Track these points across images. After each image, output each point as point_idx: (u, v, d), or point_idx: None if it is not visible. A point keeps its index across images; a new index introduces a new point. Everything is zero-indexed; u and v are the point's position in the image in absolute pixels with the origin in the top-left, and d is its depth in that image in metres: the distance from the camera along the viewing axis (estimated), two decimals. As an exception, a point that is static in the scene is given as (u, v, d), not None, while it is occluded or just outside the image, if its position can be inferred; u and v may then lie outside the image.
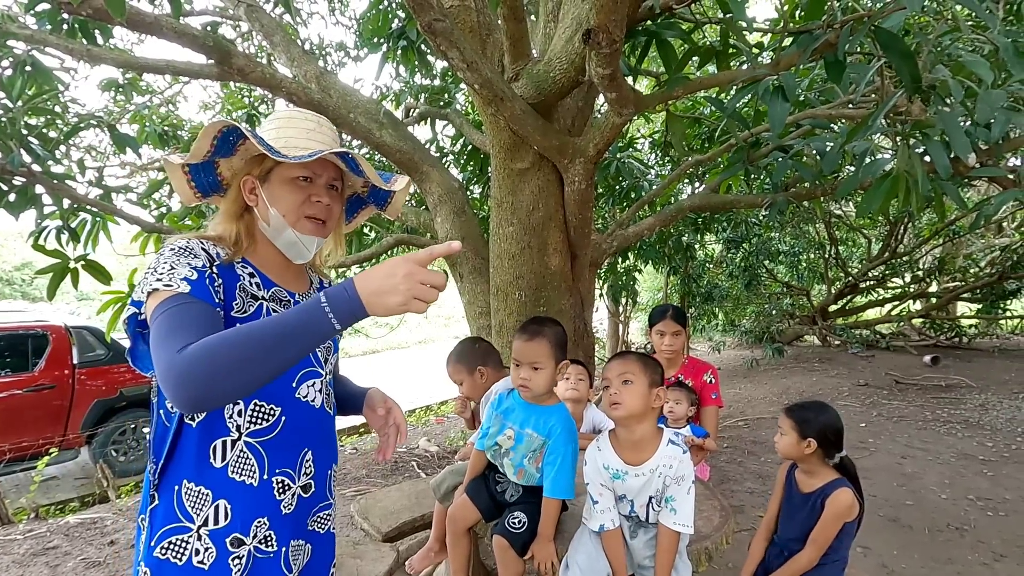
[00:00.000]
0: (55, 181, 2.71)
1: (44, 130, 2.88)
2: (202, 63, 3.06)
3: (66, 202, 2.85)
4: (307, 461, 1.13)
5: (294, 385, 1.11)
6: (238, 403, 1.04)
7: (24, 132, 2.63)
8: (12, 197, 2.64)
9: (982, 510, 3.35)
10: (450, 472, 2.12)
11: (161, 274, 0.96)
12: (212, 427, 1.03)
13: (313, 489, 1.15)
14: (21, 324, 5.69)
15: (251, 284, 1.09)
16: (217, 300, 0.99)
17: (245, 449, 1.04)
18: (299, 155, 1.03)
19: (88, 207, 2.96)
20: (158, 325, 0.91)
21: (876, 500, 3.50)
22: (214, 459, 1.02)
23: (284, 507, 1.08)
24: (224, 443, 1.03)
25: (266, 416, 1.06)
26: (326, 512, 1.20)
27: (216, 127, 1.03)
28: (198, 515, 1.00)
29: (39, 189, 2.73)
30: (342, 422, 8.40)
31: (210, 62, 2.97)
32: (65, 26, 2.86)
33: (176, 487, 1.01)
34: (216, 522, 1.01)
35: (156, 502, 1.03)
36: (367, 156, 5.29)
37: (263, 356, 0.85)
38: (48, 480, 5.57)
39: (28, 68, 2.75)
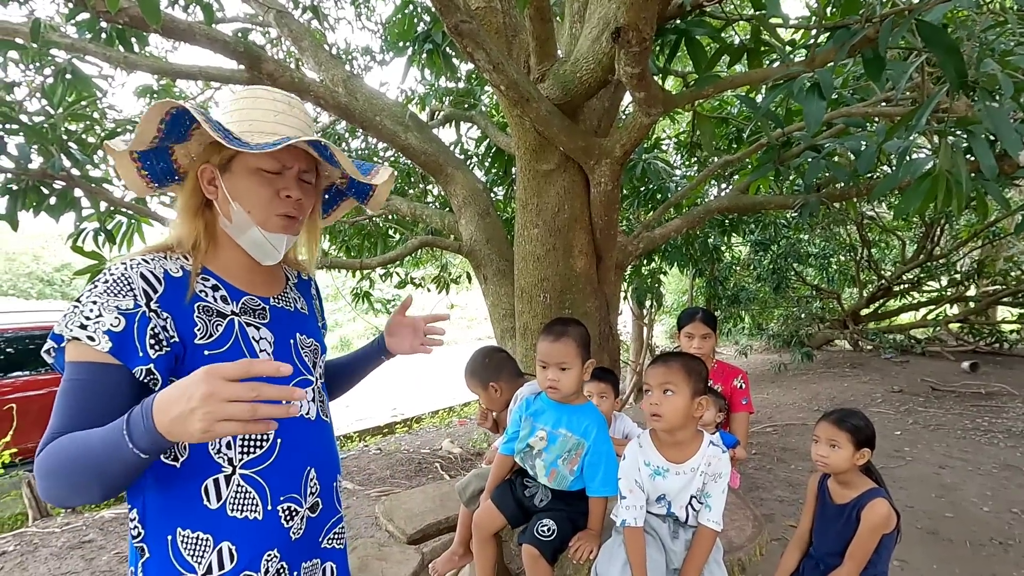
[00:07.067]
0: (93, 185, 2.79)
1: (83, 135, 2.97)
2: (233, 68, 3.12)
3: (103, 205, 2.93)
4: (311, 480, 1.03)
5: (285, 401, 1.02)
6: None
7: (64, 137, 2.71)
8: (53, 200, 2.73)
9: (1028, 524, 3.21)
10: (475, 476, 2.11)
11: (87, 318, 0.84)
12: (198, 465, 0.91)
13: (321, 507, 1.06)
14: (47, 324, 5.85)
15: (215, 299, 0.96)
16: (152, 346, 0.86)
17: (243, 483, 0.93)
18: (262, 142, 0.89)
19: (124, 210, 3.04)
20: (62, 394, 0.83)
21: (914, 512, 3.37)
22: (208, 500, 0.91)
23: (293, 533, 0.99)
24: (216, 481, 0.92)
25: (259, 443, 0.95)
26: (340, 526, 1.12)
27: (161, 109, 0.88)
28: (200, 563, 0.90)
29: (78, 193, 2.81)
30: (368, 422, 8.45)
31: (241, 67, 3.03)
32: (103, 35, 2.96)
33: (169, 536, 0.90)
34: (221, 567, 0.91)
35: (147, 555, 0.91)
36: (392, 159, 5.33)
37: (85, 480, 0.78)
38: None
39: (68, 76, 2.84)
